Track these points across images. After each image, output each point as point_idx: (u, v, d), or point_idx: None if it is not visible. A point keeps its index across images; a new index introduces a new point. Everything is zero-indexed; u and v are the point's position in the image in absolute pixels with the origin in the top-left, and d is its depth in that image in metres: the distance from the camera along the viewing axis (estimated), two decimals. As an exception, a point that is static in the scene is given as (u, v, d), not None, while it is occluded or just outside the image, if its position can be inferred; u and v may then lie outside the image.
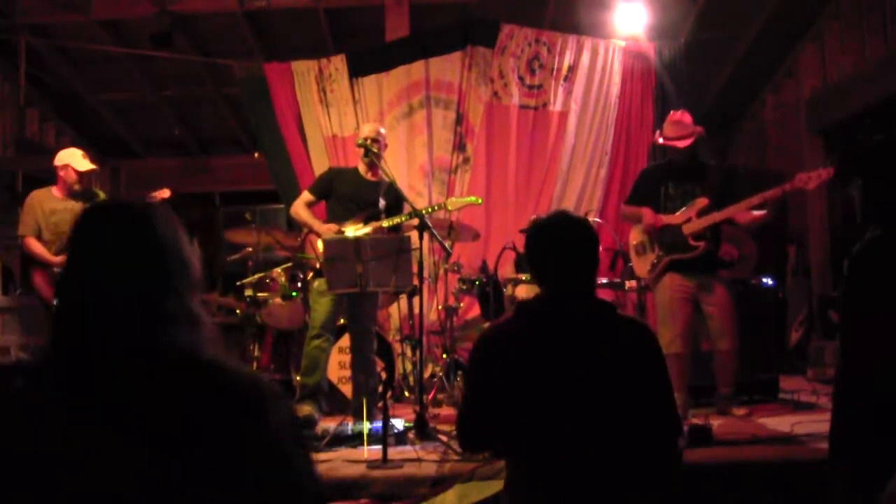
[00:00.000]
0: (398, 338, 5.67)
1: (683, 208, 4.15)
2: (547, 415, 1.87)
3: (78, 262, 1.16)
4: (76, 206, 4.66)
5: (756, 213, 4.03)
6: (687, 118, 4.28)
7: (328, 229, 4.31)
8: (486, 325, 5.43)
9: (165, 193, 4.86)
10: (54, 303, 4.08)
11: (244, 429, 1.07)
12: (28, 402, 1.06)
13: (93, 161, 4.80)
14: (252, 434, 1.07)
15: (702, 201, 4.10)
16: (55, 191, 4.69)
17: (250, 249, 5.58)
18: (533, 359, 1.89)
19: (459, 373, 5.33)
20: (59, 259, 4.52)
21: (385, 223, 4.32)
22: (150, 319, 1.11)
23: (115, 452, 1.01)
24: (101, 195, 4.86)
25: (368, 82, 6.63)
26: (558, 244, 1.99)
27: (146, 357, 1.08)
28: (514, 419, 1.90)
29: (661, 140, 4.30)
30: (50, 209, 4.62)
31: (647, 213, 4.22)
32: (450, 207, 4.66)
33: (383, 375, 4.77)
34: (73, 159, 4.68)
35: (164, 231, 1.18)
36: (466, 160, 6.60)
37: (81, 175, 4.68)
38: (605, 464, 1.84)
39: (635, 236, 4.34)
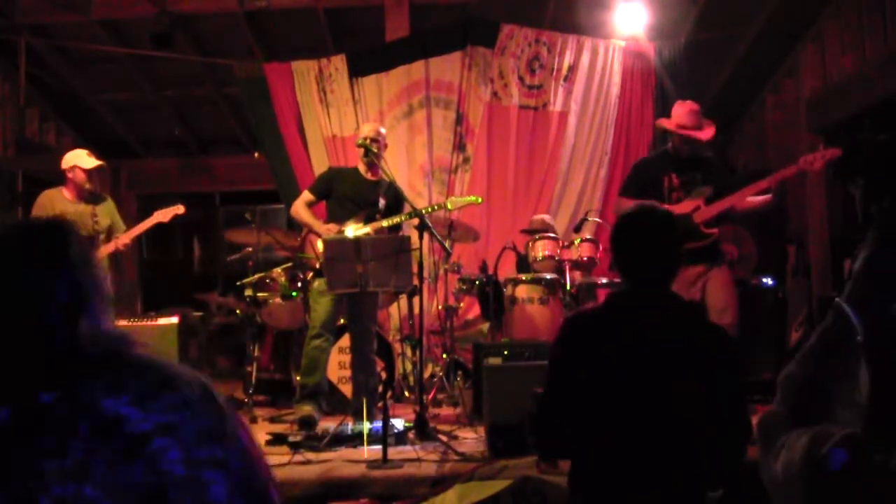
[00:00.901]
0: (398, 338, 5.67)
1: (687, 198, 4.18)
2: (619, 405, 1.89)
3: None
4: (86, 209, 4.68)
5: (760, 198, 4.07)
6: (698, 108, 4.31)
7: (328, 229, 4.31)
8: (487, 325, 5.43)
9: (180, 210, 4.84)
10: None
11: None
12: None
13: (98, 158, 4.80)
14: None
15: (707, 189, 4.14)
16: (66, 192, 4.71)
17: (250, 249, 5.58)
18: (614, 347, 1.92)
19: (459, 373, 5.34)
20: None
21: (385, 223, 4.32)
22: (63, 331, 1.10)
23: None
24: (106, 201, 4.86)
25: (368, 82, 6.63)
26: (645, 238, 2.00)
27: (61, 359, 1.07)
28: (591, 405, 1.92)
29: (674, 127, 4.28)
30: (60, 210, 4.63)
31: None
32: (450, 207, 4.67)
33: (383, 375, 4.77)
34: (79, 159, 4.69)
35: (77, 249, 1.17)
36: (466, 160, 6.60)
37: (89, 173, 4.68)
38: (672, 459, 1.87)
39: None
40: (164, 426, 1.04)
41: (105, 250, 4.63)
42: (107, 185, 8.86)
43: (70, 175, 4.68)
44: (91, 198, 4.75)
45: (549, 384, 2.02)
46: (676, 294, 2.04)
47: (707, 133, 4.23)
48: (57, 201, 4.66)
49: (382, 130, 4.58)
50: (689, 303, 2.07)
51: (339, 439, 3.77)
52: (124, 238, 4.69)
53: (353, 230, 4.29)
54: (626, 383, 1.90)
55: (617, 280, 5.28)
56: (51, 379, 1.05)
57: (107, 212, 4.78)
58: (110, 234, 4.76)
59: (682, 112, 4.32)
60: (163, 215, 4.81)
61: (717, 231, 4.15)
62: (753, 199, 4.10)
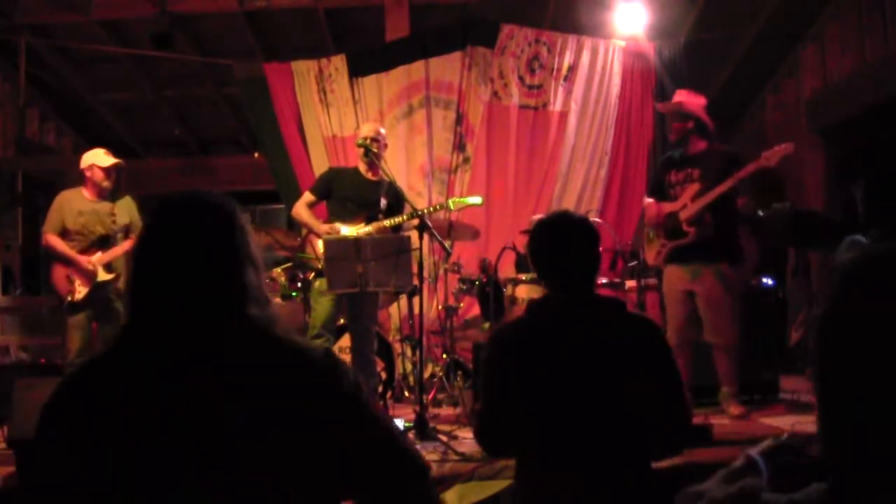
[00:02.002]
0: (398, 338, 5.67)
1: (682, 195, 4.18)
2: (554, 410, 1.90)
3: (165, 243, 1.25)
4: (104, 207, 4.68)
5: (742, 197, 4.06)
6: (686, 104, 4.27)
7: (328, 230, 4.31)
8: (487, 325, 5.43)
9: None
10: (68, 299, 4.13)
11: (323, 394, 1.21)
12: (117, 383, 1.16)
13: (115, 156, 4.82)
14: (331, 399, 1.21)
15: (694, 186, 4.11)
16: (85, 192, 4.73)
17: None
18: (541, 354, 1.93)
19: (459, 373, 5.33)
20: (82, 258, 4.54)
21: (387, 223, 4.32)
22: (235, 293, 1.23)
23: (201, 416, 1.13)
24: (126, 200, 4.86)
25: (368, 82, 6.63)
26: (561, 244, 2.03)
27: (231, 326, 1.21)
28: (525, 414, 1.93)
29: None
30: (78, 210, 4.65)
31: (649, 206, 4.29)
32: (451, 207, 4.66)
33: (383, 375, 4.77)
34: (96, 158, 4.71)
35: (241, 217, 1.31)
36: (466, 160, 6.60)
37: (107, 171, 4.69)
38: (611, 458, 1.88)
39: (646, 226, 4.44)
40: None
41: (120, 249, 4.64)
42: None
43: (88, 174, 4.70)
44: (110, 196, 4.76)
45: (484, 399, 2.04)
46: (598, 294, 2.07)
47: (671, 134, 4.28)
48: (75, 201, 4.68)
49: (382, 130, 4.58)
50: (611, 300, 2.09)
51: (339, 439, 3.76)
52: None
53: (347, 230, 4.29)
54: (557, 386, 1.90)
55: (617, 280, 5.28)
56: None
57: (126, 210, 4.79)
58: (129, 233, 4.76)
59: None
60: None
61: (694, 230, 4.05)
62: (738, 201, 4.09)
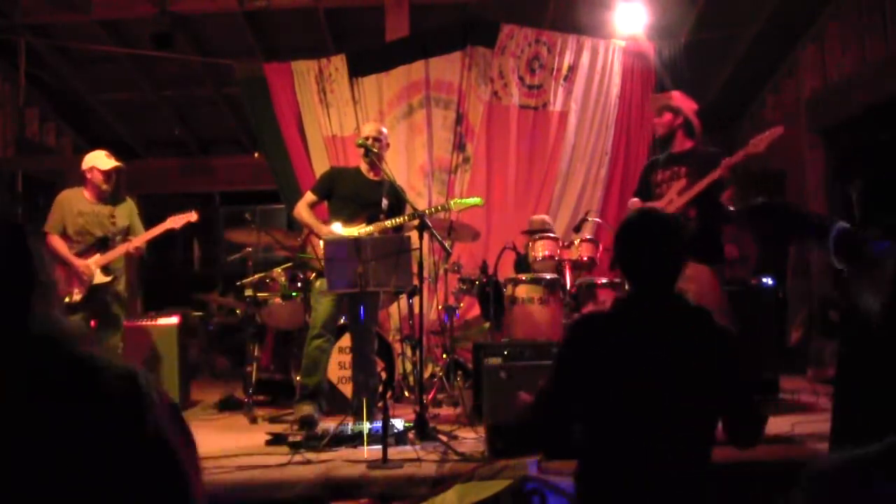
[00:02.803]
0: (398, 338, 5.67)
1: (668, 192, 4.19)
2: (628, 406, 1.92)
3: None
4: (103, 210, 4.69)
5: (724, 193, 4.03)
6: (676, 98, 4.28)
7: (329, 231, 4.31)
8: (487, 325, 5.43)
9: (193, 217, 4.84)
10: (66, 300, 4.06)
11: (120, 428, 1.01)
12: None
13: (117, 159, 4.82)
14: (129, 432, 1.02)
15: (681, 182, 4.11)
16: (85, 193, 4.73)
17: (250, 249, 5.58)
18: (624, 350, 1.94)
19: (459, 373, 5.34)
20: (80, 262, 4.55)
21: (388, 223, 4.32)
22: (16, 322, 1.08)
23: None
24: (126, 202, 4.87)
25: (368, 82, 6.63)
26: (647, 243, 2.04)
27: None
28: (597, 407, 1.94)
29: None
30: (78, 210, 4.65)
31: (633, 204, 4.30)
32: (452, 208, 4.66)
33: (383, 375, 4.77)
34: (97, 160, 4.71)
35: (29, 243, 1.16)
36: (466, 160, 6.60)
37: (106, 174, 4.69)
38: (678, 457, 1.91)
39: None
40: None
41: (118, 252, 4.64)
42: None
43: (89, 176, 4.71)
44: (110, 199, 4.76)
45: (555, 384, 2.03)
46: (682, 296, 2.06)
47: (658, 130, 4.26)
48: (75, 201, 4.68)
49: (384, 130, 4.58)
50: (695, 305, 2.09)
51: (339, 439, 3.77)
52: (136, 241, 4.70)
53: (347, 230, 4.28)
54: (634, 385, 1.92)
55: (617, 280, 5.28)
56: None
57: (126, 213, 4.80)
58: (129, 235, 4.77)
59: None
60: (175, 222, 4.81)
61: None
62: (723, 196, 4.04)
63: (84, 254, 4.60)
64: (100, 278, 4.59)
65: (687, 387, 1.91)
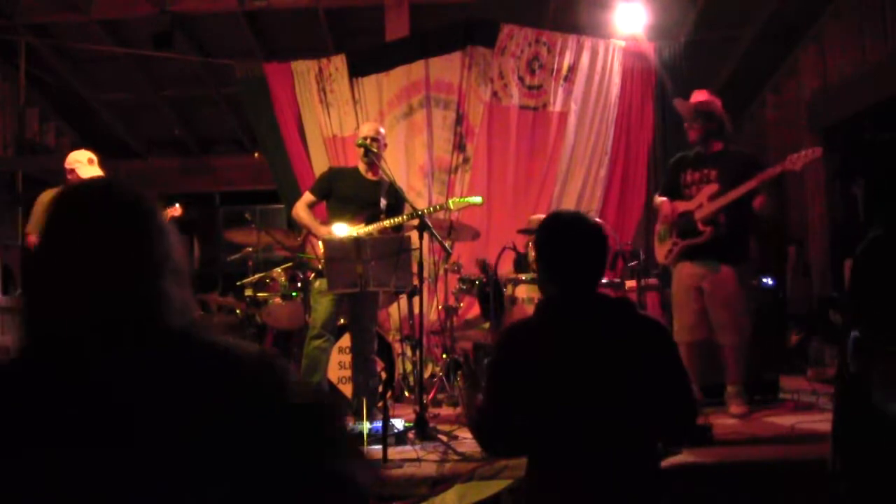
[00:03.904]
0: (398, 338, 5.67)
1: (698, 194, 4.18)
2: (564, 409, 1.91)
3: (64, 239, 1.10)
4: None
5: (759, 197, 4.03)
6: (712, 103, 4.27)
7: (328, 232, 4.31)
8: (487, 325, 5.43)
9: (177, 212, 4.82)
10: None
11: (257, 408, 1.04)
12: (19, 395, 1.04)
13: (100, 166, 4.77)
14: (266, 413, 1.05)
15: (712, 186, 4.11)
16: None
17: (250, 249, 5.58)
18: (551, 354, 1.94)
19: (459, 373, 5.33)
20: None
21: (387, 223, 4.32)
22: (148, 300, 1.09)
23: (115, 438, 1.00)
24: None
25: (368, 82, 6.63)
26: (572, 244, 2.03)
27: (141, 335, 1.07)
28: (534, 414, 1.93)
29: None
30: None
31: (662, 205, 4.30)
32: (452, 207, 4.66)
33: (383, 375, 4.77)
34: (79, 166, 4.64)
35: (159, 216, 1.17)
36: (466, 160, 6.60)
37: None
38: (619, 456, 1.89)
39: (658, 224, 4.42)
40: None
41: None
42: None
43: (70, 176, 4.67)
44: None
45: (490, 397, 2.03)
46: (605, 294, 2.07)
47: (690, 134, 4.24)
48: None
49: (382, 130, 4.57)
50: (617, 300, 2.09)
51: (339, 439, 3.76)
52: None
53: (340, 228, 4.28)
54: (566, 386, 1.91)
55: (617, 280, 5.29)
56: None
57: None
58: None
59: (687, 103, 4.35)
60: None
61: (710, 228, 4.07)
62: (754, 202, 4.03)
63: None
64: None
65: (621, 383, 1.91)
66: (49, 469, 0.98)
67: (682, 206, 4.20)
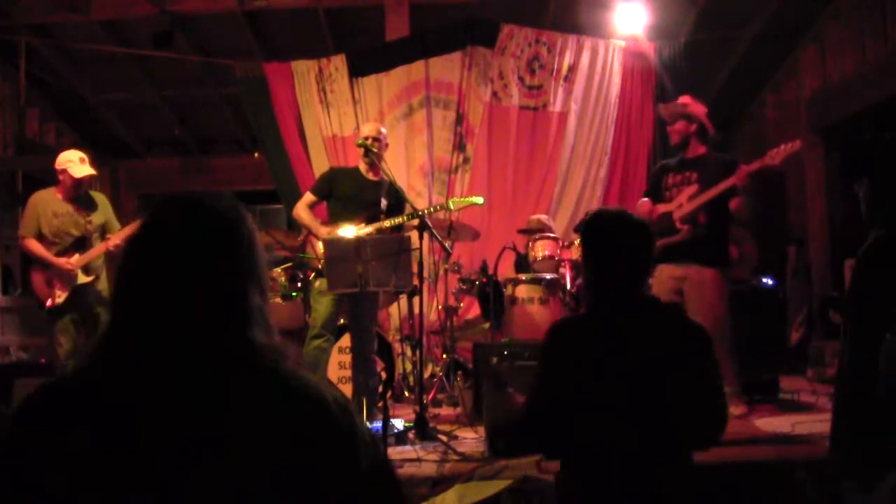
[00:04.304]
0: (398, 338, 5.67)
1: (677, 197, 4.18)
2: (609, 405, 1.92)
3: (162, 252, 1.12)
4: (75, 211, 4.60)
5: (732, 202, 4.02)
6: (691, 106, 4.28)
7: (328, 232, 4.31)
8: (487, 325, 5.43)
9: None
10: (48, 304, 4.00)
11: (320, 442, 1.07)
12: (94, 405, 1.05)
13: (92, 165, 4.71)
14: (323, 442, 1.07)
15: (692, 188, 4.11)
16: (57, 192, 4.63)
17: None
18: (600, 351, 1.95)
19: (459, 373, 5.33)
20: (61, 260, 4.50)
21: (387, 223, 4.32)
22: (237, 316, 1.11)
23: (186, 445, 1.01)
24: (99, 199, 4.77)
25: (368, 82, 6.63)
26: (625, 243, 2.04)
27: (229, 353, 1.08)
28: (576, 408, 1.94)
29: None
30: (52, 211, 4.56)
31: (642, 205, 4.30)
32: (452, 207, 4.66)
33: (383, 375, 4.77)
34: (72, 166, 4.57)
35: (250, 230, 1.18)
36: (466, 160, 6.60)
37: (78, 182, 4.58)
38: (657, 456, 1.91)
39: None
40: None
41: (97, 251, 4.58)
42: (107, 186, 8.87)
43: (61, 177, 4.60)
44: (82, 200, 4.66)
45: (537, 390, 2.03)
46: (655, 296, 2.07)
47: (672, 138, 4.25)
48: (49, 202, 4.58)
49: (383, 130, 4.57)
50: (668, 304, 2.11)
51: (339, 439, 3.76)
52: (115, 239, 4.58)
53: (348, 231, 4.28)
54: (612, 386, 1.92)
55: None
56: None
57: (101, 211, 4.73)
58: (105, 233, 4.70)
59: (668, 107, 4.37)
60: None
61: (687, 227, 4.05)
62: (732, 203, 4.01)
63: (63, 255, 4.52)
64: (82, 278, 4.52)
65: (662, 385, 1.92)
66: (131, 479, 1.00)
67: (662, 207, 4.22)
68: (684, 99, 4.35)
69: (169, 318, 1.07)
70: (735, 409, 4.10)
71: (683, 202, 4.13)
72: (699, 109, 4.27)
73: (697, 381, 1.95)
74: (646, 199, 4.34)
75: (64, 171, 4.58)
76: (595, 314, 2.07)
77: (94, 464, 1.00)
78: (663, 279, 4.19)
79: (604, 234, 2.07)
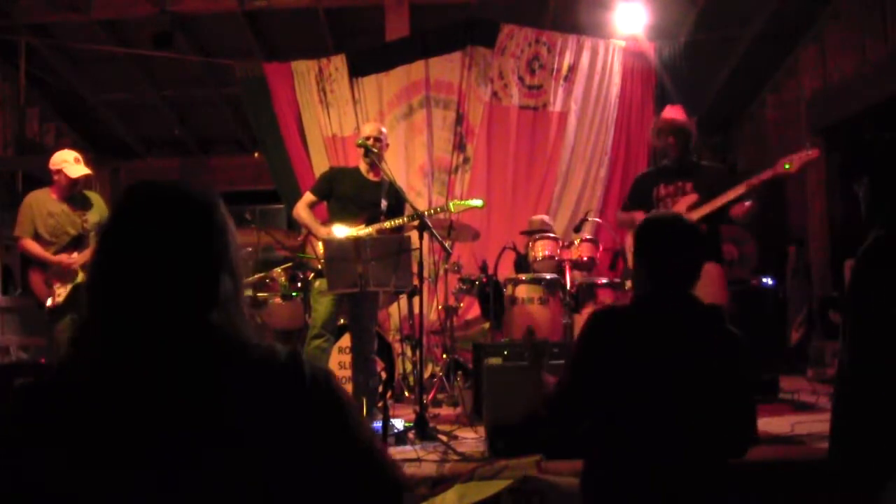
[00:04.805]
0: (398, 338, 5.67)
1: (674, 207, 4.16)
2: (643, 400, 1.93)
3: (129, 238, 1.13)
4: (70, 210, 4.59)
5: (745, 204, 4.01)
6: (676, 115, 4.27)
7: (327, 232, 4.31)
8: (487, 325, 5.43)
9: None
10: (49, 304, 3.97)
11: (291, 404, 1.09)
12: (73, 391, 1.07)
13: (88, 165, 4.70)
14: (299, 409, 1.09)
15: (691, 197, 4.10)
16: (52, 192, 4.62)
17: (250, 249, 5.58)
18: (639, 346, 1.97)
19: (459, 373, 5.33)
20: (62, 256, 4.50)
21: (387, 224, 4.32)
22: (205, 300, 1.12)
23: (161, 433, 1.03)
24: (94, 199, 4.76)
25: (368, 82, 6.63)
26: (676, 245, 2.09)
27: (196, 336, 1.10)
28: (607, 400, 1.96)
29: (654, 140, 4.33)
30: (48, 211, 4.55)
31: (638, 218, 4.22)
32: (452, 210, 4.66)
33: (383, 375, 4.77)
34: (68, 166, 4.55)
35: (223, 217, 1.19)
36: (466, 160, 6.60)
37: (73, 182, 4.56)
38: (685, 456, 1.91)
39: (631, 239, 4.33)
40: None
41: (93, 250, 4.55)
42: (107, 186, 8.87)
43: (56, 177, 4.59)
44: (77, 199, 4.63)
45: (573, 373, 2.05)
46: (697, 298, 2.09)
47: (670, 141, 4.23)
48: (44, 202, 4.56)
49: (384, 130, 4.57)
50: (710, 307, 2.12)
51: (339, 439, 3.76)
52: None
53: (341, 231, 4.28)
54: (646, 383, 1.93)
55: (617, 280, 5.28)
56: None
57: (96, 209, 4.72)
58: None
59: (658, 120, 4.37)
60: None
61: None
62: (737, 207, 3.98)
63: (61, 254, 4.51)
64: (81, 277, 4.53)
65: (697, 386, 1.94)
66: (88, 475, 1.01)
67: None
68: (676, 111, 4.33)
69: (140, 306, 1.08)
70: None
71: (683, 212, 4.10)
72: (687, 120, 4.28)
73: (729, 387, 1.97)
74: (640, 213, 4.23)
75: (59, 171, 4.57)
76: (640, 307, 2.09)
77: (83, 455, 1.02)
78: None
79: (658, 236, 2.12)
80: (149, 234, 1.12)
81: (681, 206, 4.14)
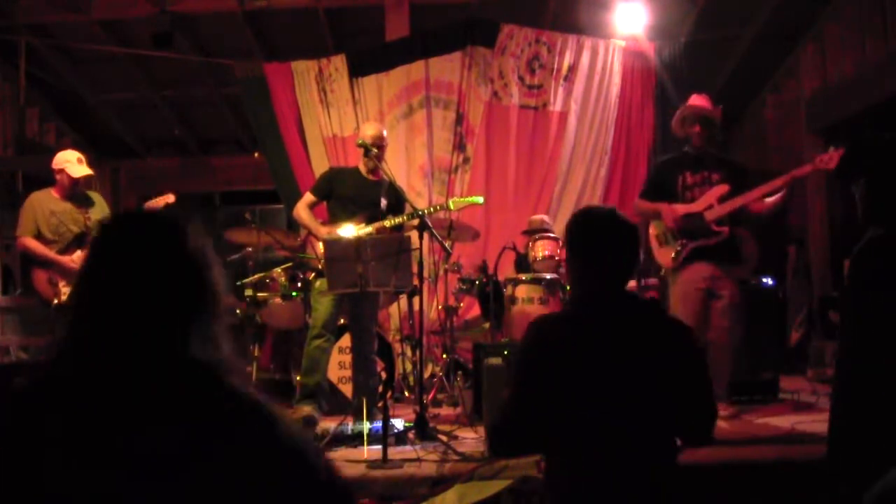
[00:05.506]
0: (398, 338, 5.67)
1: (702, 196, 4.14)
2: (590, 404, 1.90)
3: (106, 268, 1.15)
4: (73, 208, 4.62)
5: (772, 198, 4.01)
6: (702, 103, 4.27)
7: (327, 232, 4.31)
8: (487, 325, 5.43)
9: (170, 198, 4.80)
10: (55, 302, 3.99)
11: (250, 455, 1.07)
12: (30, 402, 1.07)
13: (89, 165, 4.72)
14: (260, 459, 1.08)
15: (722, 188, 4.09)
16: (54, 192, 4.64)
17: (250, 249, 5.58)
18: (582, 348, 1.93)
19: (459, 373, 5.34)
20: (65, 258, 4.51)
21: (387, 223, 4.32)
22: (173, 335, 1.12)
23: (114, 463, 1.02)
24: (95, 198, 4.78)
25: (368, 82, 6.63)
26: (610, 241, 2.02)
27: (162, 370, 1.09)
28: (556, 406, 1.92)
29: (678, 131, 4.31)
30: (50, 210, 4.57)
31: (665, 210, 4.17)
32: (452, 207, 4.66)
33: (383, 375, 4.77)
34: (70, 166, 4.59)
35: (196, 249, 1.18)
36: (466, 160, 6.60)
37: (76, 181, 4.60)
38: (637, 454, 1.89)
39: (656, 227, 4.32)
40: None
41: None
42: (107, 186, 8.88)
43: (58, 176, 4.62)
44: (80, 198, 4.67)
45: (518, 386, 2.00)
46: (635, 294, 2.08)
47: (696, 129, 4.22)
48: (46, 202, 4.58)
49: (385, 132, 4.58)
50: (647, 301, 2.11)
51: (339, 439, 3.76)
52: None
53: (349, 231, 4.28)
54: (596, 383, 1.91)
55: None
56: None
57: (98, 208, 4.74)
58: None
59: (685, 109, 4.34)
60: (153, 205, 4.78)
61: (726, 229, 4.05)
62: (767, 199, 4.01)
63: (64, 252, 4.53)
64: None
65: (647, 382, 1.91)
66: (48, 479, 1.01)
67: (682, 208, 4.16)
68: (696, 100, 4.30)
69: (110, 337, 1.09)
70: (722, 411, 4.10)
71: (714, 203, 4.09)
72: (710, 108, 4.27)
73: (683, 376, 1.94)
74: (665, 204, 4.19)
75: (62, 171, 4.60)
76: (578, 311, 2.06)
77: (66, 456, 1.02)
78: (697, 279, 4.08)
79: (593, 232, 2.04)
80: (117, 267, 1.13)
81: (709, 197, 4.11)
